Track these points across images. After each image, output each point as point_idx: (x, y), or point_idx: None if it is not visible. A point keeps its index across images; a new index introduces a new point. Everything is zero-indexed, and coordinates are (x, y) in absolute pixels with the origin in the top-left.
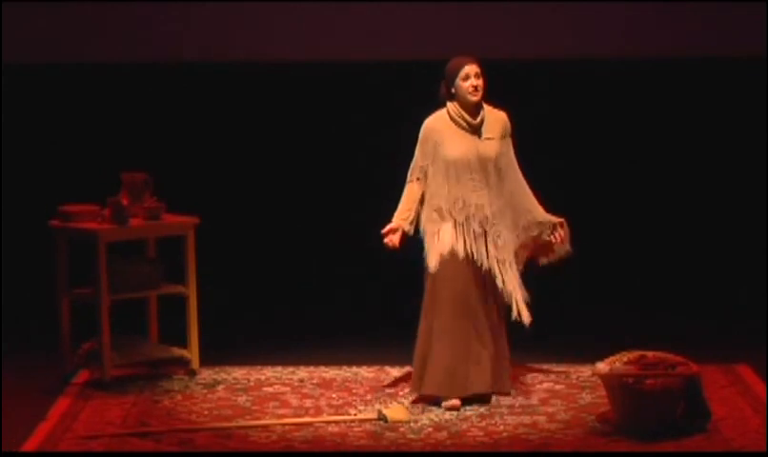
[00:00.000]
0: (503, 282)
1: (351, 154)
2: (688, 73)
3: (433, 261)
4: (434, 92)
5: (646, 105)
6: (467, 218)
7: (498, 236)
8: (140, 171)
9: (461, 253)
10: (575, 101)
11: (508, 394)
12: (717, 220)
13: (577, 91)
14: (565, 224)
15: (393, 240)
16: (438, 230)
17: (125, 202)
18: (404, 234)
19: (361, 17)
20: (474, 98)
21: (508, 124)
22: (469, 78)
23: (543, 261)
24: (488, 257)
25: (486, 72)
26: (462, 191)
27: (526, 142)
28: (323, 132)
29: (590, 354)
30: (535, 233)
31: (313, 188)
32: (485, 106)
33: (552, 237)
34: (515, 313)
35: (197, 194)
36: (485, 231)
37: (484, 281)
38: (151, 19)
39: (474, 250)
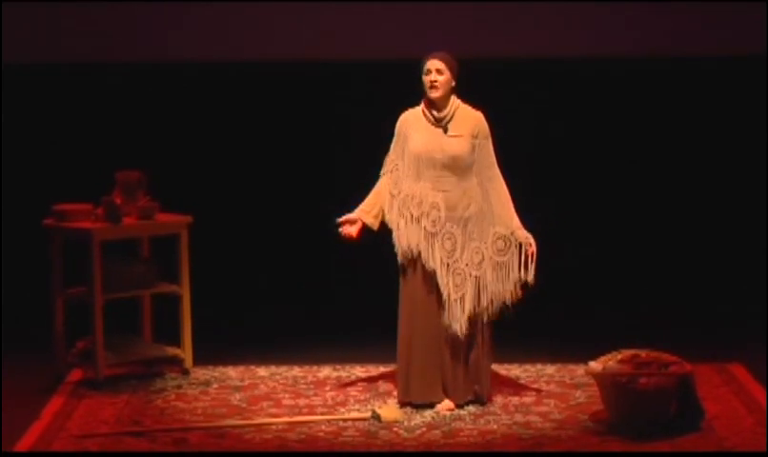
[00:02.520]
0: (448, 288)
1: (349, 154)
2: (688, 73)
3: (399, 255)
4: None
5: (646, 104)
6: (420, 215)
7: (448, 238)
8: (134, 170)
9: (414, 251)
10: (574, 101)
11: (477, 402)
12: (716, 219)
13: (577, 91)
14: (533, 245)
15: (349, 231)
16: (399, 225)
17: (119, 201)
18: (364, 226)
19: (361, 17)
20: (432, 94)
21: (482, 125)
22: (429, 73)
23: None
24: (434, 259)
25: (485, 72)
26: (421, 187)
27: (525, 142)
28: (321, 132)
29: (583, 353)
30: (501, 248)
31: (309, 188)
32: (460, 104)
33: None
34: (455, 326)
35: (191, 193)
36: (436, 232)
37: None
38: (147, 19)
39: (422, 249)
